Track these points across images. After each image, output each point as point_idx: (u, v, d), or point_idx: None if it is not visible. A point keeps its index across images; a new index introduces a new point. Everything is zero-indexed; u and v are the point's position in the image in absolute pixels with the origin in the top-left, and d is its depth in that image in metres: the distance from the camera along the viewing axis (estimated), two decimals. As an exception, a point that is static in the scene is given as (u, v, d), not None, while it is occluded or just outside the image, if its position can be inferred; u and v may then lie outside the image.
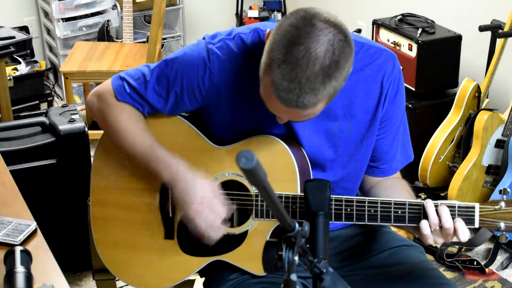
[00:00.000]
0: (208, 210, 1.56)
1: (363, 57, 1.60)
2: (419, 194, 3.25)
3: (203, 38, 1.62)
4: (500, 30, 3.10)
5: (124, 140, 1.66)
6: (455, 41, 3.39)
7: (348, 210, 1.53)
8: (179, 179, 1.59)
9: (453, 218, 1.47)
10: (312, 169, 1.65)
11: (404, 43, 3.43)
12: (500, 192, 1.48)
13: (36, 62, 4.23)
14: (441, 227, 1.47)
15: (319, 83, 1.35)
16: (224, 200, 1.59)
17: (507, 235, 1.50)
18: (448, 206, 1.48)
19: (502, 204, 1.47)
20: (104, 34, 4.19)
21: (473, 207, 1.48)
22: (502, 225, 1.47)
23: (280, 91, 1.36)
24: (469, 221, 1.48)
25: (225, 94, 1.60)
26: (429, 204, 1.48)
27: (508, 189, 1.48)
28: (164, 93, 1.63)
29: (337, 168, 1.69)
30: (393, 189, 1.69)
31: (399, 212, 1.51)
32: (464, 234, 1.46)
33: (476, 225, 1.48)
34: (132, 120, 1.65)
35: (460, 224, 1.46)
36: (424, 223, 1.48)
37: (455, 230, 1.47)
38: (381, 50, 1.63)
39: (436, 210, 1.48)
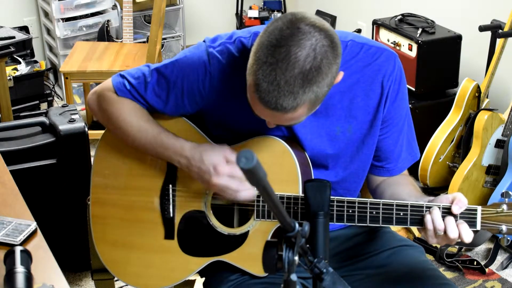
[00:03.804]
0: (228, 178, 1.55)
1: (363, 58, 1.60)
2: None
3: (204, 41, 1.62)
4: (500, 30, 3.10)
5: (128, 132, 1.65)
6: (455, 41, 3.39)
7: (350, 211, 1.53)
8: (190, 160, 1.58)
9: (455, 220, 1.46)
10: (314, 170, 1.65)
11: (404, 43, 3.43)
12: (502, 195, 1.48)
13: (36, 62, 4.23)
14: (445, 233, 1.47)
15: (298, 87, 1.34)
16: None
17: (509, 238, 1.50)
18: (449, 209, 1.48)
19: (504, 207, 1.47)
20: (104, 34, 4.19)
21: (475, 210, 1.48)
22: (504, 228, 1.47)
23: (260, 92, 1.36)
24: (471, 223, 1.47)
25: (226, 98, 1.60)
26: (435, 211, 1.47)
27: (510, 192, 1.47)
28: (164, 95, 1.63)
29: (339, 169, 1.68)
30: (398, 184, 1.69)
31: (401, 214, 1.50)
32: (468, 236, 1.45)
33: (478, 227, 1.48)
34: (135, 111, 1.65)
35: (463, 226, 1.46)
36: (428, 222, 1.47)
37: (459, 233, 1.46)
38: (381, 49, 1.62)
39: (443, 218, 1.47)
